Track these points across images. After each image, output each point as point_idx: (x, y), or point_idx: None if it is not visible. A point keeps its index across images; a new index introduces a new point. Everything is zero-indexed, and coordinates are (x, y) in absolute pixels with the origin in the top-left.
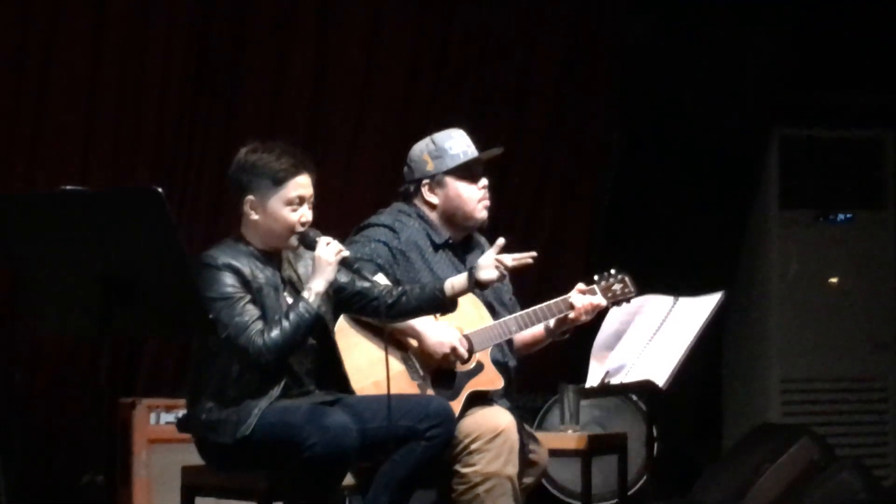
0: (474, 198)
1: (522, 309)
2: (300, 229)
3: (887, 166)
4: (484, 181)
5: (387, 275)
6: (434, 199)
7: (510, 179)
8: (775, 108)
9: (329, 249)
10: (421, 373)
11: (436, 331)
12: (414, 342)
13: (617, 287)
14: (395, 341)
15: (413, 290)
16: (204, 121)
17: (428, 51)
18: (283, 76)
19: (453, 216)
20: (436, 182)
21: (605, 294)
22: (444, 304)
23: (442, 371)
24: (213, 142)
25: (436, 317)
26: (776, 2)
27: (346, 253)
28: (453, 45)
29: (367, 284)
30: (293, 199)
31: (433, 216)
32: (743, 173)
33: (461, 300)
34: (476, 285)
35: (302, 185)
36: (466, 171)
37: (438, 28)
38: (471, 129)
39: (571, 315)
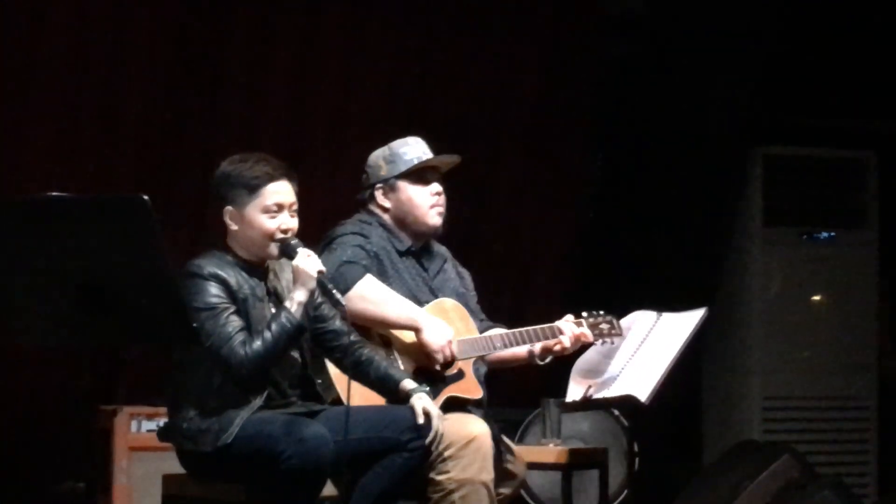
0: (426, 203)
1: (484, 315)
2: (280, 236)
3: (870, 186)
4: (437, 187)
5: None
6: (387, 204)
7: (489, 199)
8: (760, 128)
9: (310, 261)
10: (408, 376)
11: (435, 324)
12: (407, 335)
13: (604, 326)
14: (378, 338)
15: (381, 365)
16: (186, 131)
17: (408, 69)
18: (263, 86)
19: (404, 221)
20: (389, 186)
21: (592, 330)
22: (392, 396)
23: (423, 371)
24: (196, 152)
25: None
26: (762, 21)
27: (323, 269)
28: (432, 65)
29: (345, 328)
30: (270, 206)
31: (391, 222)
32: (726, 191)
33: (449, 310)
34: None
35: (278, 191)
36: (419, 176)
37: (418, 45)
38: (450, 147)
39: (557, 347)
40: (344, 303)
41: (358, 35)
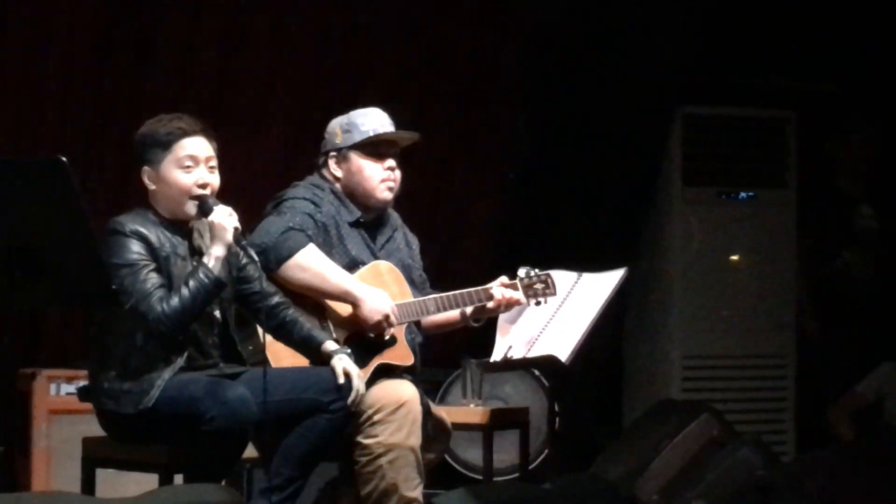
0: (376, 177)
1: (432, 288)
2: (197, 192)
3: (789, 146)
4: (391, 162)
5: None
6: (338, 173)
7: (416, 158)
8: (680, 87)
9: (226, 216)
10: (334, 338)
11: (374, 298)
12: (344, 307)
13: (539, 286)
14: (312, 305)
15: (304, 326)
16: (110, 91)
17: (337, 28)
18: (190, 47)
19: (354, 192)
20: (342, 156)
21: (525, 292)
22: (314, 357)
23: (354, 339)
24: (119, 113)
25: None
26: None
27: (237, 224)
28: (362, 25)
29: (271, 289)
30: (183, 160)
31: (341, 192)
32: (647, 151)
33: (384, 273)
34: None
35: (192, 146)
36: (373, 149)
37: (348, 3)
38: (379, 105)
39: (490, 305)
40: (256, 259)
41: None
